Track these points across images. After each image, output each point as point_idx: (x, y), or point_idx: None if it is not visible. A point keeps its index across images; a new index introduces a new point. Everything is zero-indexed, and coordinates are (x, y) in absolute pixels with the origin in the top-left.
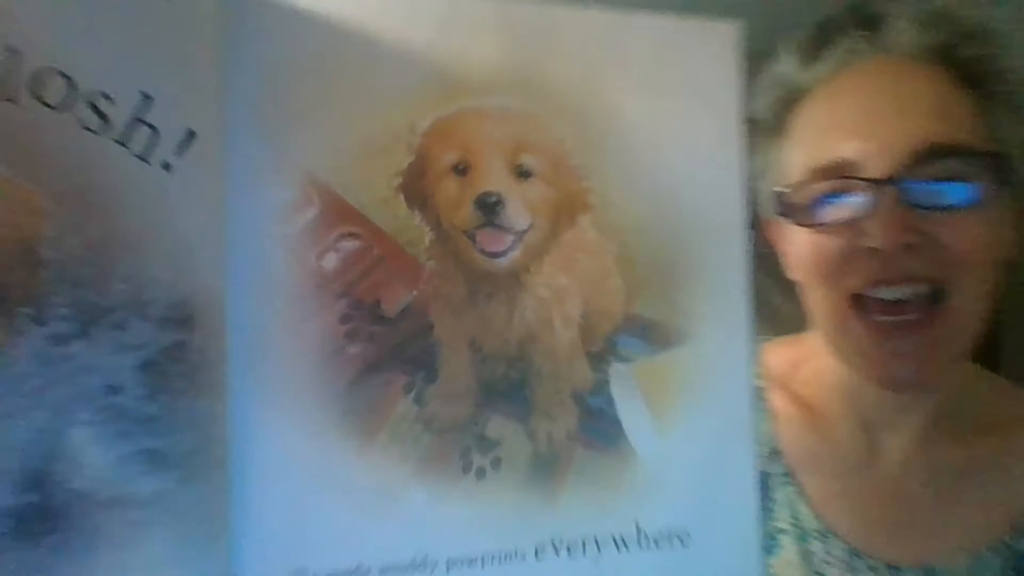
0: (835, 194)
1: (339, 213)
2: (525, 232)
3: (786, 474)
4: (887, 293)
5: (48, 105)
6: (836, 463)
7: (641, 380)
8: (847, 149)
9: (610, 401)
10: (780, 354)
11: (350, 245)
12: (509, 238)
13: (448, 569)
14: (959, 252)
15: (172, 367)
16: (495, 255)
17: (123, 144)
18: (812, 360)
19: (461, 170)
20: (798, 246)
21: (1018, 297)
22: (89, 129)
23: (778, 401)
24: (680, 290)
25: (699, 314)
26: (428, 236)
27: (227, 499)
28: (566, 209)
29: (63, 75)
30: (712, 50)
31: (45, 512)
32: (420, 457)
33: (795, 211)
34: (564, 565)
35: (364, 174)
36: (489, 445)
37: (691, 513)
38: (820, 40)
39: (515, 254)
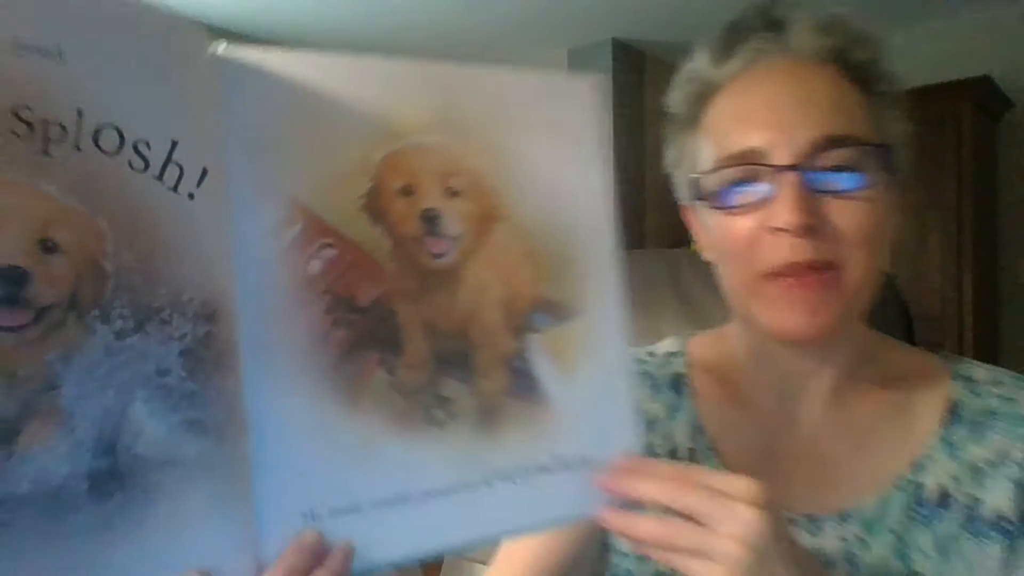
0: (744, 181)
1: (318, 229)
2: (458, 238)
3: (710, 448)
4: (791, 267)
5: (104, 152)
6: (756, 430)
7: (550, 345)
8: (755, 139)
9: (529, 362)
10: (706, 343)
11: (328, 253)
12: (447, 243)
13: (421, 500)
14: (851, 233)
15: (205, 353)
16: (438, 256)
17: (159, 179)
18: (733, 343)
19: (407, 192)
20: (712, 229)
21: (1018, 297)
22: (134, 168)
23: (703, 384)
24: (573, 277)
25: (586, 294)
26: (387, 244)
27: (248, 458)
28: (485, 220)
29: (115, 129)
30: (582, 99)
31: (114, 473)
32: (394, 414)
33: (709, 196)
34: (508, 491)
35: (336, 198)
36: (445, 402)
37: (594, 441)
38: (730, 40)
39: (452, 255)
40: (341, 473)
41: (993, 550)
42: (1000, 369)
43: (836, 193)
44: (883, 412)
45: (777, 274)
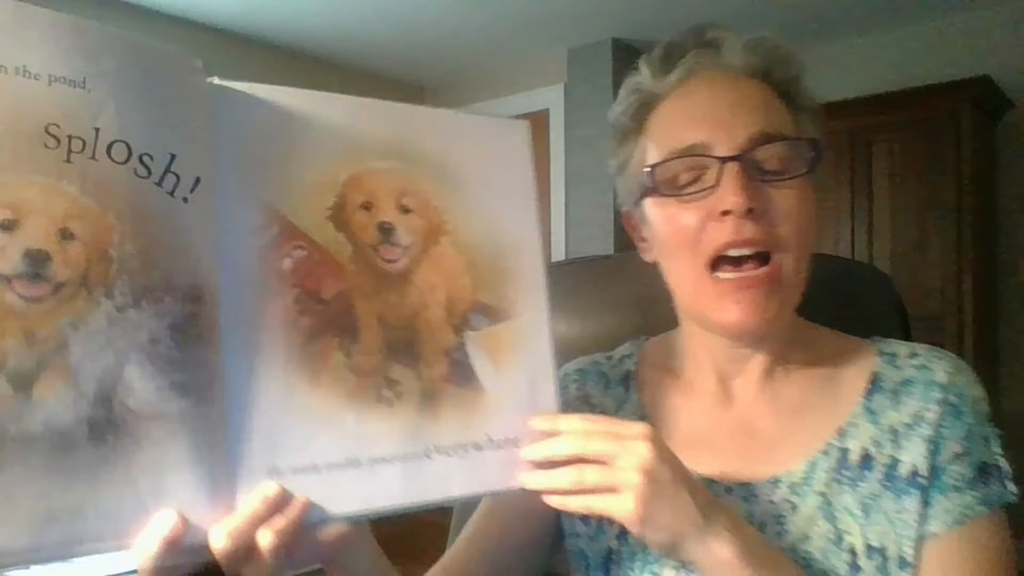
0: (690, 173)
1: (291, 233)
2: (408, 247)
3: None
4: (734, 251)
5: (115, 161)
6: (696, 413)
7: (485, 342)
8: (699, 134)
9: (467, 355)
10: (657, 342)
11: (299, 254)
12: (399, 251)
13: (370, 465)
14: (790, 216)
15: (190, 328)
16: (391, 262)
17: (159, 185)
18: (680, 339)
19: (367, 207)
20: (659, 224)
21: (1018, 297)
22: (139, 176)
23: (651, 378)
24: (506, 286)
25: (518, 300)
26: (348, 249)
27: (223, 418)
28: (432, 233)
29: (125, 143)
30: (514, 139)
31: (110, 422)
32: (349, 392)
33: (660, 187)
34: (446, 463)
35: (306, 208)
36: (393, 384)
37: (519, 425)
38: (669, 57)
39: (403, 261)
40: (302, 437)
41: (911, 504)
42: (919, 344)
43: (773, 181)
44: (812, 388)
45: (722, 260)
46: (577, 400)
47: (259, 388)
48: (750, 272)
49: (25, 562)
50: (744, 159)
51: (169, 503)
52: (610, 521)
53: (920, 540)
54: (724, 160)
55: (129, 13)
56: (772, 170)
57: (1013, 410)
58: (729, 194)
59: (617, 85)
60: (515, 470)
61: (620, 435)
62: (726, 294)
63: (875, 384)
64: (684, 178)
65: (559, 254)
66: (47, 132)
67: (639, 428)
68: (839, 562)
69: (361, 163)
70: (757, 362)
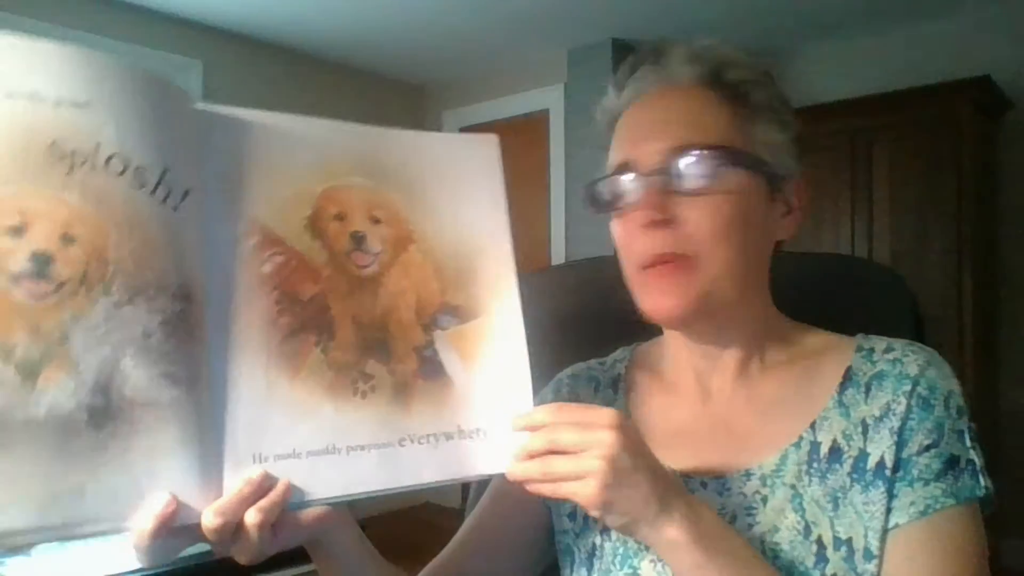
0: (625, 187)
1: (271, 241)
2: (379, 254)
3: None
4: (649, 260)
5: (114, 173)
6: (677, 411)
7: (453, 339)
8: (626, 153)
9: (436, 352)
10: (648, 346)
11: (279, 259)
12: (370, 257)
13: (347, 453)
14: (702, 227)
15: (179, 323)
16: (363, 267)
17: (152, 195)
18: (664, 342)
19: (340, 218)
20: (613, 234)
21: (1018, 297)
22: (134, 187)
23: (639, 380)
24: (473, 287)
25: (485, 301)
26: (324, 256)
27: (210, 407)
28: (401, 242)
29: (122, 157)
30: (479, 153)
31: (107, 410)
32: (327, 385)
33: (600, 202)
34: (418, 451)
35: (285, 218)
36: (367, 378)
37: (488, 417)
38: (624, 75)
39: (375, 267)
40: (283, 427)
41: (877, 496)
42: (900, 340)
43: (688, 193)
44: (788, 383)
45: (648, 265)
46: (568, 401)
47: (243, 380)
48: (663, 265)
49: (29, 542)
50: (658, 174)
51: (162, 486)
52: (595, 519)
53: (886, 531)
54: (640, 176)
55: (129, 13)
56: (688, 181)
57: (1013, 410)
58: (639, 209)
59: None
60: (484, 458)
61: (588, 424)
62: (648, 284)
63: (849, 378)
64: (620, 193)
65: (559, 254)
66: (53, 148)
67: (606, 417)
68: (807, 553)
69: (334, 179)
70: (730, 358)
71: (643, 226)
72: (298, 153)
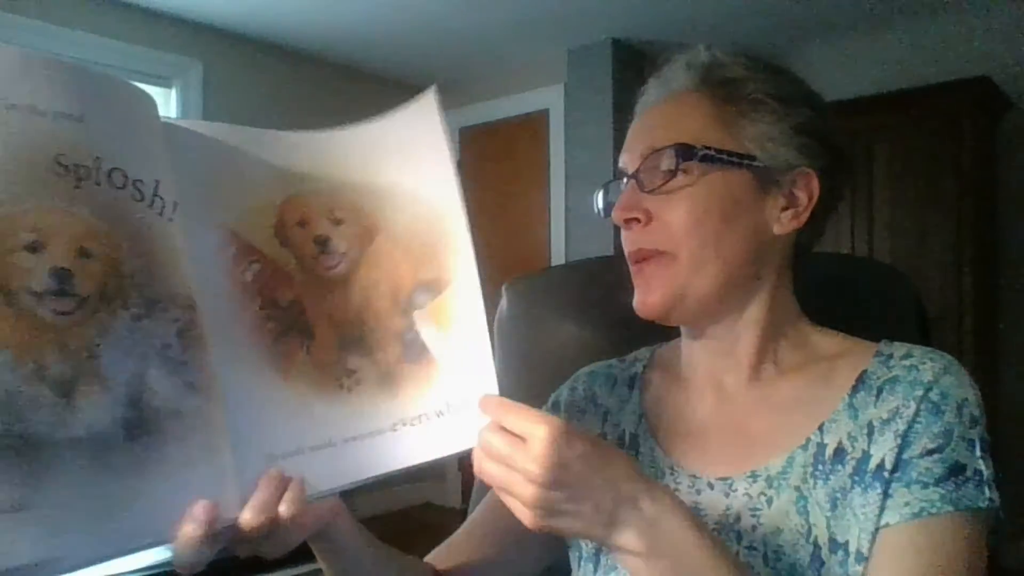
0: (613, 191)
1: (248, 250)
2: (346, 253)
3: (648, 431)
4: (628, 256)
5: (115, 186)
6: (691, 411)
7: (431, 315)
8: (621, 160)
9: (417, 333)
10: (669, 347)
11: (256, 267)
12: (336, 258)
13: (344, 445)
14: (673, 223)
15: (191, 333)
16: (331, 268)
17: (150, 207)
18: (679, 344)
19: (302, 224)
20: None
21: (1018, 297)
22: (135, 199)
23: (656, 380)
24: (441, 256)
25: (452, 266)
26: (293, 261)
27: (224, 412)
28: (367, 235)
29: (121, 170)
30: (418, 117)
31: (140, 421)
32: (313, 383)
33: (601, 208)
34: (411, 433)
35: (255, 228)
36: (351, 373)
37: (471, 386)
38: (640, 90)
39: (343, 266)
40: (284, 426)
41: (873, 496)
42: (923, 347)
43: (653, 191)
44: (803, 386)
45: (634, 263)
46: (584, 399)
47: (244, 385)
48: (644, 262)
49: (80, 566)
50: (636, 176)
51: (197, 492)
52: None
53: (877, 531)
54: (624, 180)
55: (130, 13)
56: (647, 180)
57: (1013, 410)
58: (616, 209)
59: (617, 85)
60: (473, 430)
61: (522, 434)
62: (635, 280)
63: (862, 382)
64: (611, 197)
65: (559, 254)
66: (57, 162)
67: (537, 427)
68: (805, 555)
69: (292, 187)
70: (742, 358)
71: (623, 225)
72: (258, 164)
